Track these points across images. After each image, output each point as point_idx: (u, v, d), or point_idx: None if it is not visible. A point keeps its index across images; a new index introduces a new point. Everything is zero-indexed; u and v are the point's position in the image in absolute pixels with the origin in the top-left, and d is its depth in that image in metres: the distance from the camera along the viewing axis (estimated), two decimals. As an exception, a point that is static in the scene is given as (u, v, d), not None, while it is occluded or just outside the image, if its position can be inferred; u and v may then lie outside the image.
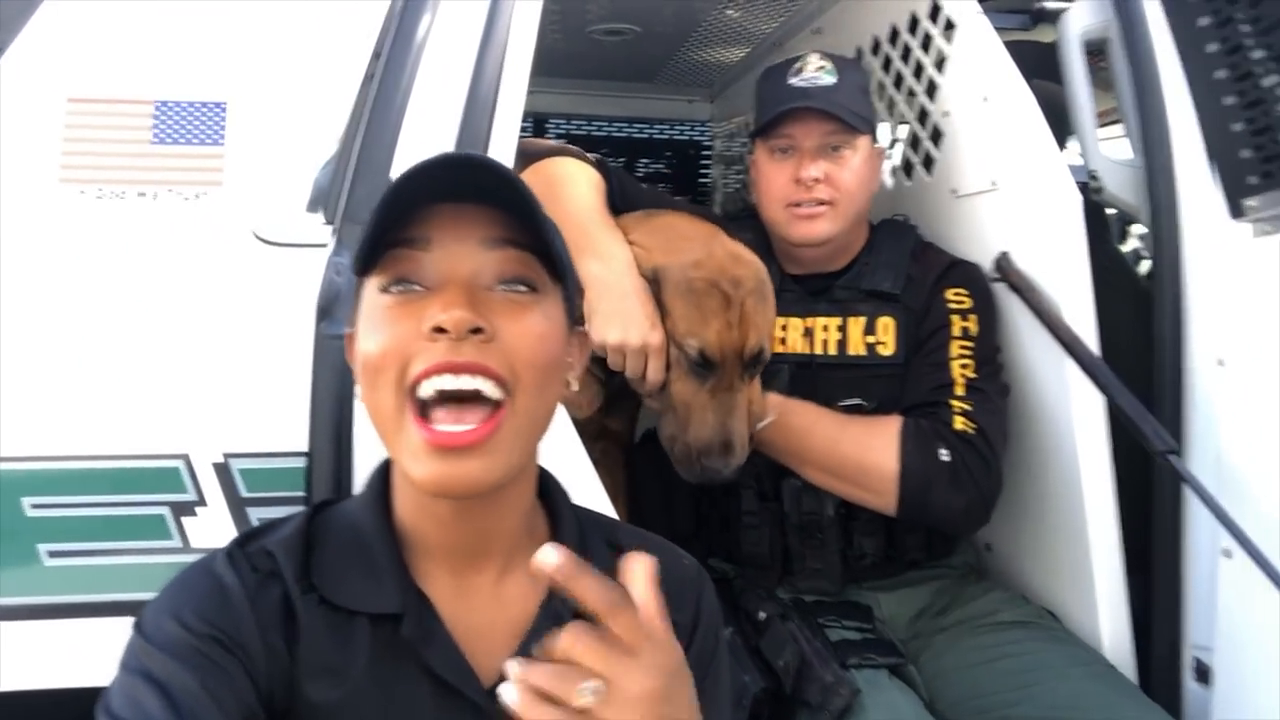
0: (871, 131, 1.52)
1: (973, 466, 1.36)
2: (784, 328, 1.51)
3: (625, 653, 0.57)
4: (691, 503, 1.59)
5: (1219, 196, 1.23)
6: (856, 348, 1.49)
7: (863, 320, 1.49)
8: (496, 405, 0.71)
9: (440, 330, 0.69)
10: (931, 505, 1.37)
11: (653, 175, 3.02)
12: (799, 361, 1.49)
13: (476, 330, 0.70)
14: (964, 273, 1.52)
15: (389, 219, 0.71)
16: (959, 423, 1.38)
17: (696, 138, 3.03)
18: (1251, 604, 1.18)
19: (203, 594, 0.72)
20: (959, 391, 1.41)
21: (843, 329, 1.50)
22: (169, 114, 1.13)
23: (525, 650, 0.76)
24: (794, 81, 1.48)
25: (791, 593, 1.52)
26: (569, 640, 0.56)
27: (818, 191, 1.46)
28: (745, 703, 1.31)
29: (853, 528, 1.48)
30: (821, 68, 1.48)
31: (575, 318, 0.83)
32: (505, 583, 0.81)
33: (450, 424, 0.69)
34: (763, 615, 1.42)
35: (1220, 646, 1.26)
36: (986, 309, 1.49)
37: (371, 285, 0.74)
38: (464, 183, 0.71)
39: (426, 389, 0.70)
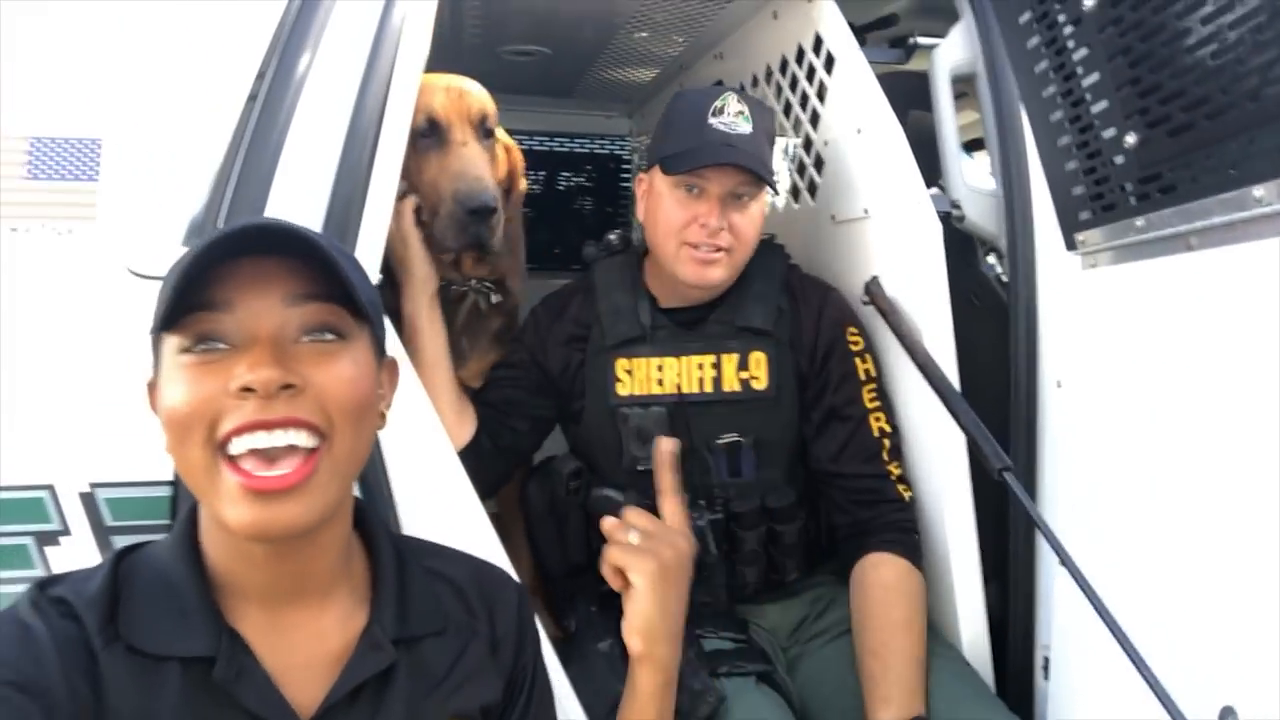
0: (774, 186, 1.53)
1: (919, 528, 1.48)
2: (660, 368, 1.53)
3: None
4: (583, 535, 1.59)
5: (1056, 230, 1.31)
6: (731, 384, 1.52)
7: (736, 356, 1.52)
8: (311, 450, 0.74)
9: (249, 390, 0.71)
10: None
11: (574, 188, 3.07)
12: (674, 401, 1.51)
13: (287, 386, 0.72)
14: (841, 304, 1.57)
15: (187, 282, 0.71)
16: (904, 494, 1.49)
17: (616, 151, 3.09)
18: (1079, 607, 1.26)
19: (4, 639, 0.72)
20: (886, 456, 1.49)
21: (717, 366, 1.52)
22: (44, 150, 1.16)
23: (347, 680, 0.80)
24: (714, 123, 1.45)
25: None
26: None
27: (719, 239, 1.45)
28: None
29: (735, 559, 1.53)
30: (740, 113, 1.46)
31: (382, 352, 0.86)
32: (323, 616, 0.83)
33: (264, 469, 0.71)
34: None
35: (1055, 645, 1.34)
36: (871, 341, 1.56)
37: (170, 344, 0.74)
38: (264, 239, 0.72)
39: (238, 446, 0.71)
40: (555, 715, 0.98)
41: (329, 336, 0.76)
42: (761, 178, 1.46)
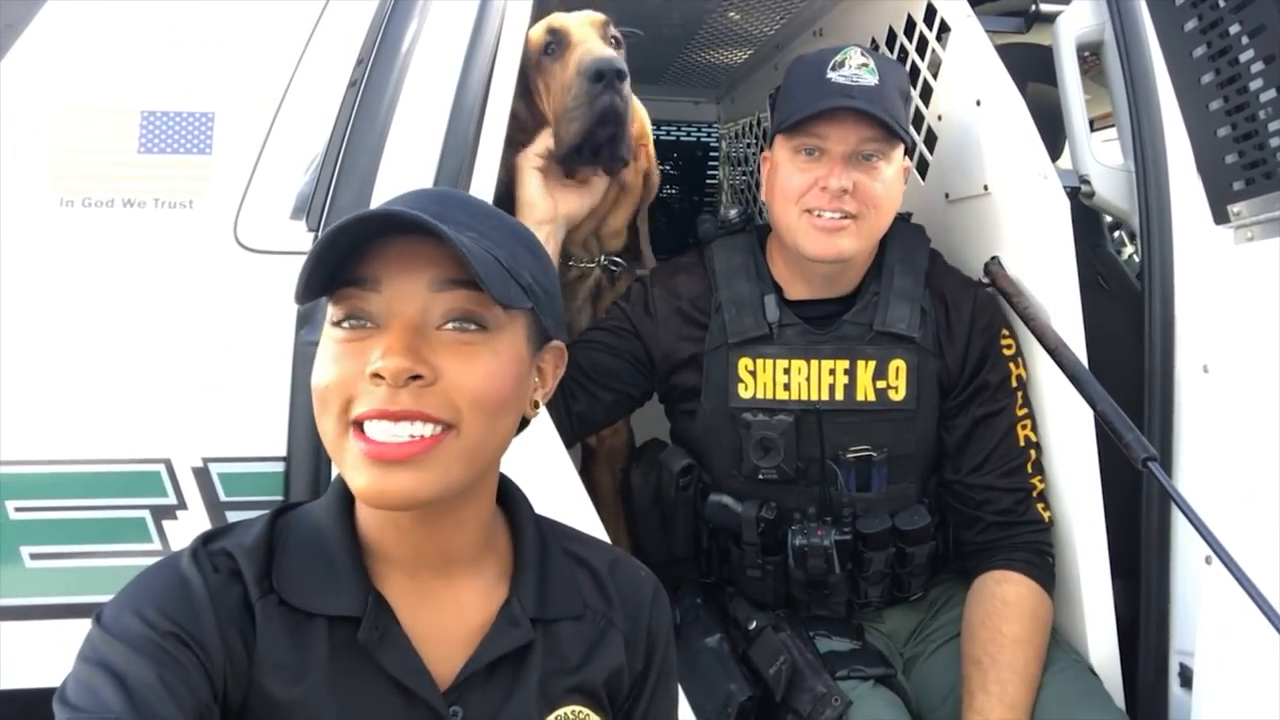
0: (907, 142, 1.39)
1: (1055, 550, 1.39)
2: (786, 371, 1.38)
3: None
4: (690, 532, 1.50)
5: (1204, 201, 1.22)
6: (866, 393, 1.37)
7: (872, 364, 1.37)
8: (436, 433, 0.72)
9: (380, 376, 0.70)
10: None
11: (661, 176, 3.01)
12: (803, 409, 1.38)
13: (416, 377, 0.71)
14: (991, 304, 1.45)
15: (337, 254, 0.71)
16: (1045, 515, 1.39)
17: (704, 139, 3.03)
18: (1231, 611, 1.17)
19: (165, 591, 0.73)
20: (1030, 470, 1.39)
21: (850, 373, 1.37)
22: (155, 123, 1.15)
23: (484, 653, 0.80)
24: (833, 76, 1.31)
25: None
26: None
27: (844, 203, 1.31)
28: (730, 711, 1.31)
29: (859, 577, 1.43)
30: (864, 65, 1.31)
31: (549, 334, 0.82)
32: (465, 589, 0.82)
33: (387, 436, 0.71)
34: (754, 624, 1.42)
35: (1201, 652, 1.25)
36: (1022, 343, 1.45)
37: (329, 312, 0.75)
38: (410, 221, 0.71)
39: (368, 429, 0.71)
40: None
41: (471, 327, 0.74)
42: (891, 131, 1.31)
